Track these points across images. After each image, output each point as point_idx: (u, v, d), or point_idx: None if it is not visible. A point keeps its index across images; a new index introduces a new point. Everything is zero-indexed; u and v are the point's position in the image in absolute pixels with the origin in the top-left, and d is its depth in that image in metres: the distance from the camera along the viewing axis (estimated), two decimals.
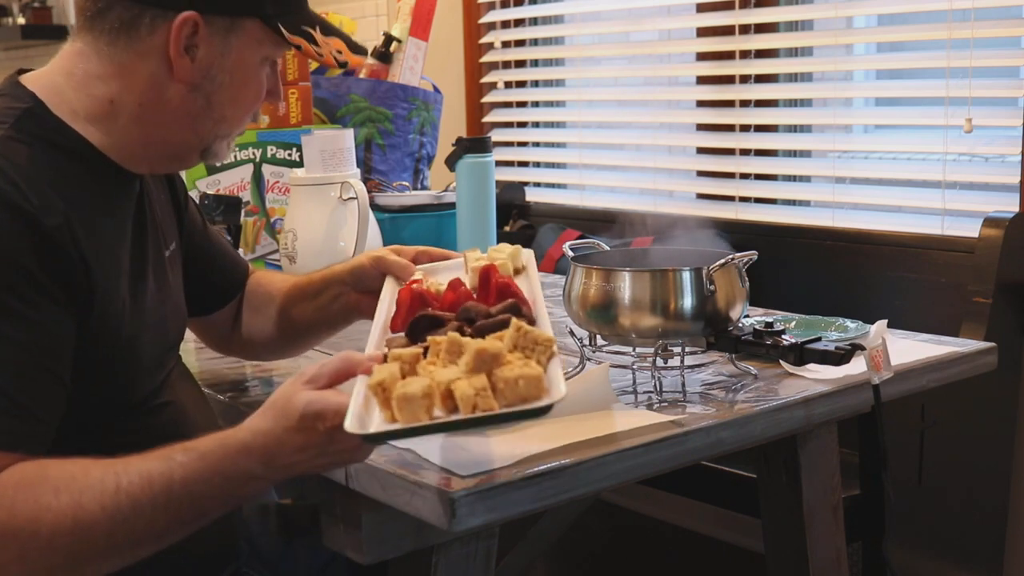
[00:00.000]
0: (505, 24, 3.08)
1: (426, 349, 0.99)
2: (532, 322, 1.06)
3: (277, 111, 2.19)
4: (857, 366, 1.30)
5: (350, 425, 0.89)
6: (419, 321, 1.07)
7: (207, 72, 1.15)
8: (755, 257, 1.34)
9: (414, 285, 1.19)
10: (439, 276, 1.28)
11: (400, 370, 0.95)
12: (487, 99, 3.12)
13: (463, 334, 1.01)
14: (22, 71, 1.20)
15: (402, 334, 1.09)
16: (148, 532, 0.97)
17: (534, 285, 1.20)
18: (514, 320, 0.99)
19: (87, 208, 1.10)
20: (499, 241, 2.08)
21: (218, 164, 1.25)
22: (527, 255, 1.30)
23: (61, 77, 1.16)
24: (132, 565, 1.00)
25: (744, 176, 2.48)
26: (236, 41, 1.16)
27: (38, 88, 1.15)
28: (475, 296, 1.17)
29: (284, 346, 1.48)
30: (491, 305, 1.10)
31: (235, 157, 2.09)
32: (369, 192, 2.00)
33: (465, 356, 0.93)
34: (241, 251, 1.93)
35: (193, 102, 1.16)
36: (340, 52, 1.22)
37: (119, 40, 1.14)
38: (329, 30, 1.23)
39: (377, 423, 0.92)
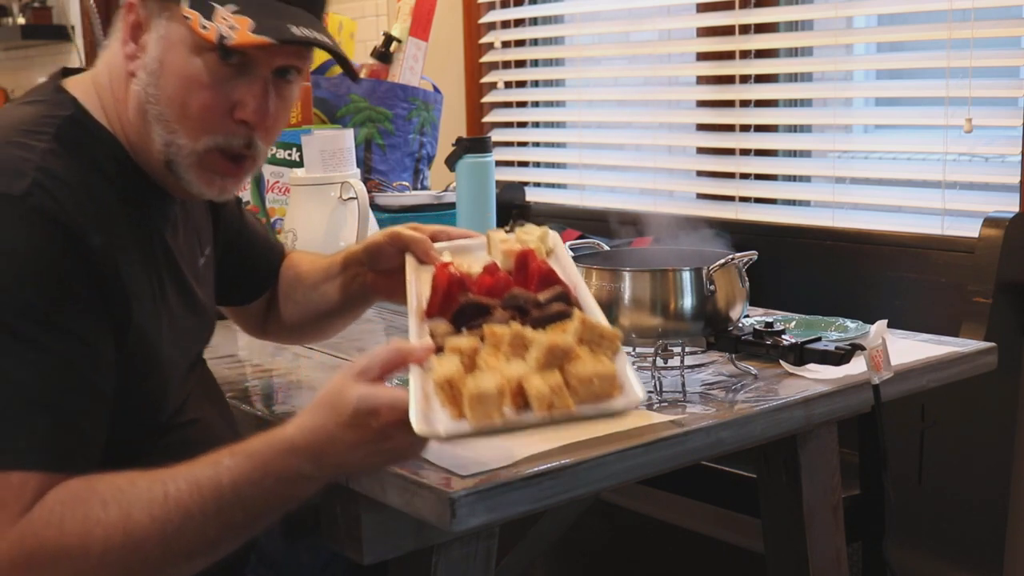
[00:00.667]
0: (505, 24, 3.08)
1: (481, 338, 0.94)
2: (580, 307, 1.02)
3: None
4: (857, 366, 1.30)
5: (418, 427, 0.83)
6: (465, 308, 1.02)
7: (143, 60, 1.10)
8: (755, 257, 1.34)
9: (450, 268, 1.13)
10: (464, 258, 1.21)
11: (461, 362, 0.90)
12: (487, 99, 3.12)
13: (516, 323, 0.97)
14: (66, 71, 1.18)
15: (443, 321, 1.03)
16: (200, 541, 0.95)
17: (569, 270, 1.14)
18: (577, 313, 0.94)
19: (126, 224, 1.08)
20: None
21: (196, 191, 1.13)
22: (555, 237, 1.23)
23: (103, 77, 1.14)
24: None
25: (744, 176, 2.48)
26: (166, 24, 1.09)
27: (80, 92, 1.13)
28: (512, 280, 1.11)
29: (312, 330, 1.45)
30: (532, 291, 1.05)
31: None
32: (369, 192, 2.00)
33: (534, 351, 0.89)
34: None
35: (136, 96, 1.11)
36: (232, 31, 1.05)
37: (115, 42, 1.15)
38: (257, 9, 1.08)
39: (445, 422, 0.87)
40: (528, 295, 1.02)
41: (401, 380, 1.13)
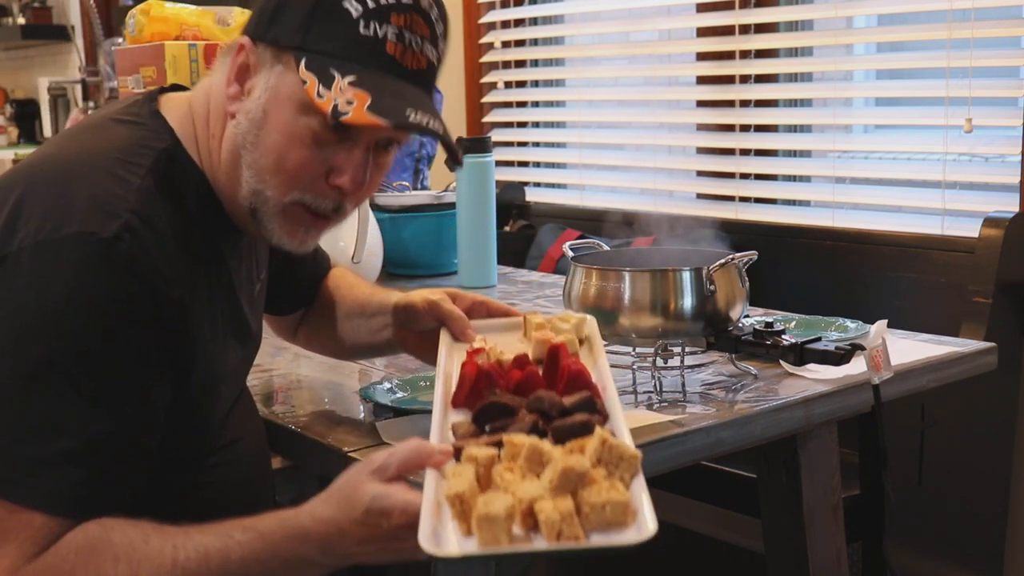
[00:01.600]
0: (505, 24, 3.08)
1: (498, 443, 0.93)
2: (605, 415, 1.00)
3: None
4: (857, 366, 1.30)
5: (426, 544, 0.81)
6: (488, 409, 1.01)
7: (247, 105, 1.07)
8: (755, 257, 1.34)
9: (478, 358, 1.10)
10: (497, 338, 1.19)
11: (475, 473, 0.89)
12: (487, 99, 3.12)
13: (537, 428, 0.96)
14: (163, 89, 1.16)
15: (466, 419, 1.02)
16: None
17: (602, 367, 1.11)
18: (599, 431, 0.91)
19: (201, 264, 1.07)
20: (499, 242, 2.09)
21: (275, 243, 1.12)
22: (591, 325, 1.20)
23: (201, 106, 1.12)
24: None
25: (744, 176, 2.48)
26: (276, 76, 1.06)
27: (175, 119, 1.11)
28: (541, 374, 1.09)
29: (338, 353, 1.43)
30: (559, 391, 1.04)
31: None
32: None
33: (549, 472, 0.87)
34: None
35: (233, 138, 1.08)
36: (349, 105, 1.01)
37: (219, 74, 1.12)
38: (389, 100, 1.03)
39: (453, 541, 0.85)
40: (554, 399, 1.00)
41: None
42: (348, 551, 0.94)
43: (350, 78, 1.02)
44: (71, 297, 0.96)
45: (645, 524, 0.88)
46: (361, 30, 1.03)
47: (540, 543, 0.84)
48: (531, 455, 0.89)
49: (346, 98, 1.01)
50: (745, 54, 2.45)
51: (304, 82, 1.02)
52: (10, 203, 1.01)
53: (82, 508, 0.95)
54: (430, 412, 1.11)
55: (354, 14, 1.03)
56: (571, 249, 1.43)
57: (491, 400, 1.02)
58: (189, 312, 1.03)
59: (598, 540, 0.86)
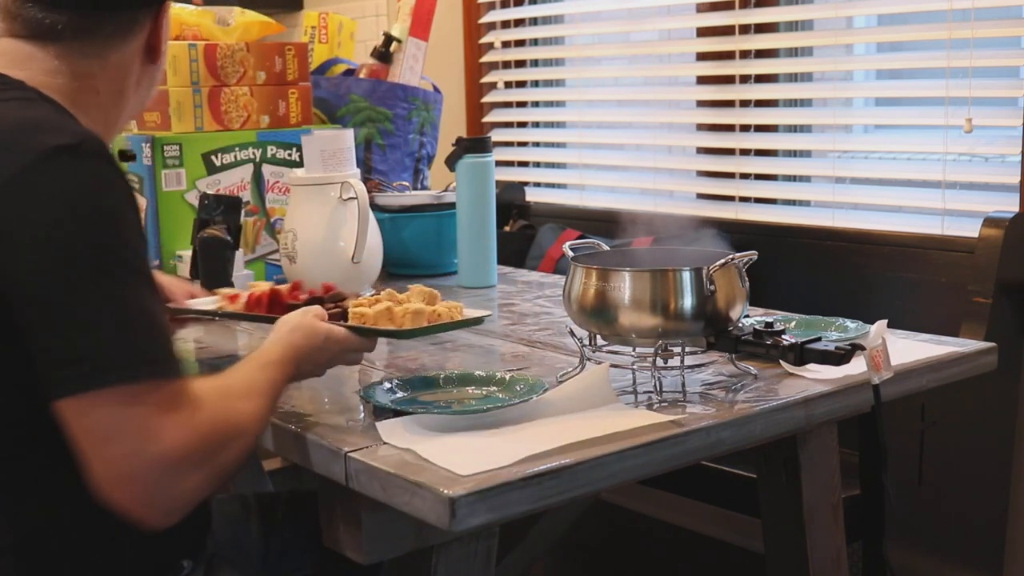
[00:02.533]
0: (505, 24, 3.08)
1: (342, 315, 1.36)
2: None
3: (277, 110, 2.19)
4: (857, 366, 1.30)
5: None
6: (316, 299, 1.42)
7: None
8: (755, 257, 1.34)
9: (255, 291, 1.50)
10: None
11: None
12: (487, 99, 3.12)
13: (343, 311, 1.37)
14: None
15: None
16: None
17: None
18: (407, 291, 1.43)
19: None
20: (499, 242, 2.09)
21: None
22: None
23: (48, 77, 1.20)
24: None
25: (744, 176, 2.48)
26: None
27: (25, 80, 1.19)
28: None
29: None
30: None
31: (235, 157, 2.09)
32: (369, 192, 2.00)
33: (412, 301, 1.37)
34: (241, 251, 1.93)
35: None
36: None
37: (111, 43, 1.25)
38: None
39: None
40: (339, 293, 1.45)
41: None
42: (314, 362, 1.27)
43: None
44: (82, 199, 1.04)
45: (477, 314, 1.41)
46: None
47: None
48: (384, 311, 1.33)
49: None
50: (745, 54, 2.45)
51: None
52: None
53: (179, 372, 1.08)
54: (430, 412, 1.17)
55: None
56: (571, 249, 1.43)
57: (313, 296, 1.44)
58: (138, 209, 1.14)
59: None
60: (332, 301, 1.41)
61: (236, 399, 1.12)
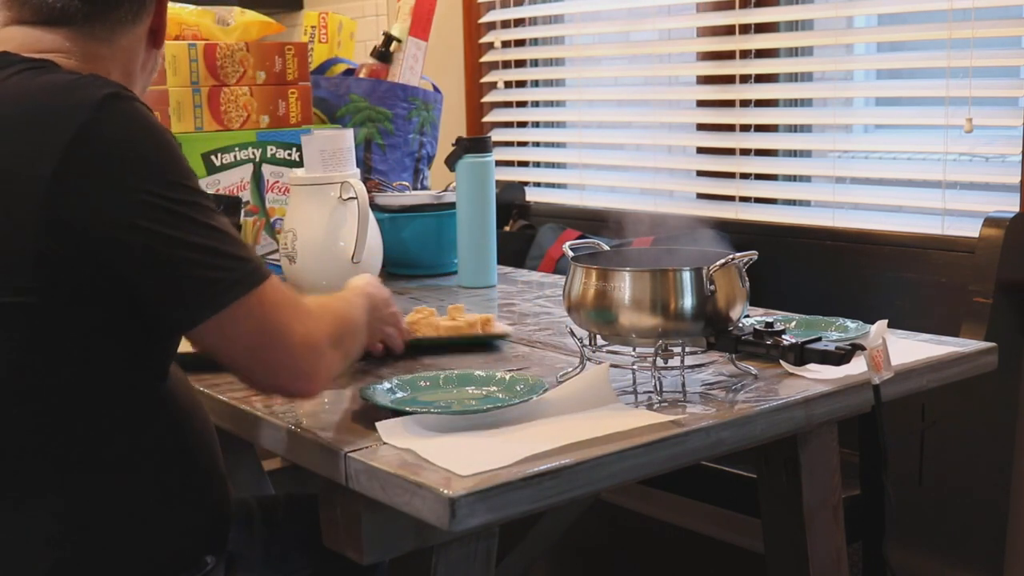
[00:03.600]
0: (505, 24, 3.08)
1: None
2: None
3: (277, 110, 2.19)
4: (857, 366, 1.30)
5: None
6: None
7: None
8: (755, 257, 1.34)
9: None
10: None
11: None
12: (487, 99, 3.12)
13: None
14: None
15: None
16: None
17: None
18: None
19: None
20: (499, 242, 2.09)
21: None
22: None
23: (60, 54, 1.21)
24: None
25: (744, 176, 2.48)
26: None
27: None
28: None
29: None
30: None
31: (235, 157, 2.09)
32: (369, 192, 2.00)
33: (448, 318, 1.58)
34: None
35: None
36: None
37: (121, 25, 1.26)
38: None
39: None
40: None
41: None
42: (375, 312, 1.38)
43: None
44: (156, 131, 1.11)
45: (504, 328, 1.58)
46: None
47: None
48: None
49: None
50: (745, 54, 2.45)
51: None
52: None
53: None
54: (430, 412, 1.18)
55: None
56: (571, 249, 1.43)
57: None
58: None
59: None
60: None
61: (343, 302, 1.30)
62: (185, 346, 1.19)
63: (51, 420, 1.10)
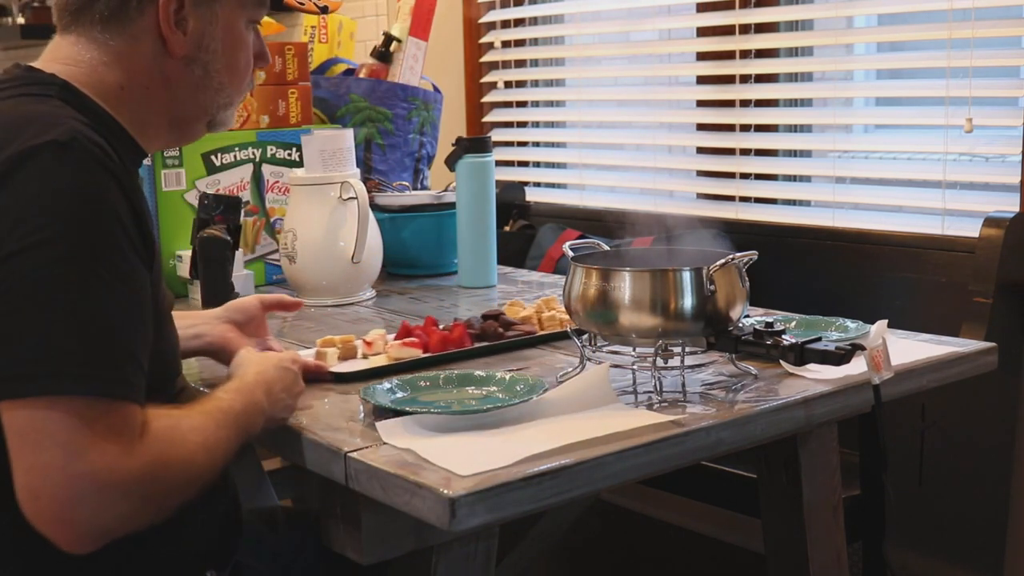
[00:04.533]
0: (505, 24, 3.08)
1: None
2: None
3: (277, 110, 2.19)
4: (857, 366, 1.30)
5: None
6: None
7: (200, 42, 1.22)
8: (755, 257, 1.34)
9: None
10: None
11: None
12: (487, 99, 3.12)
13: None
14: (20, 65, 1.21)
15: None
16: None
17: None
18: None
19: (128, 180, 1.12)
20: (499, 242, 2.09)
21: (225, 130, 1.35)
22: None
23: (71, 66, 1.18)
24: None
25: (744, 176, 2.48)
26: (220, 8, 1.23)
27: (57, 72, 1.17)
28: None
29: None
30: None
31: (235, 157, 2.09)
32: (369, 192, 2.00)
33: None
34: (241, 251, 1.93)
35: (192, 74, 1.22)
36: None
37: (111, 27, 1.18)
38: None
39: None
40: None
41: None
42: (275, 394, 1.21)
43: None
44: (58, 197, 1.00)
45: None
46: None
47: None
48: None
49: None
50: (745, 54, 2.45)
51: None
52: None
53: (138, 397, 1.01)
54: (430, 412, 1.18)
55: None
56: (571, 249, 1.43)
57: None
58: (144, 215, 1.09)
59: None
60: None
61: (187, 432, 1.05)
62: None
63: None
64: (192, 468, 1.05)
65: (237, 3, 1.24)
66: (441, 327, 1.54)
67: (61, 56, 1.18)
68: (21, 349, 0.96)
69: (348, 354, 1.47)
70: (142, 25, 1.18)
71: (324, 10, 1.37)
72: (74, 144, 1.03)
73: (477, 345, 1.52)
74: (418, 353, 1.46)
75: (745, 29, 2.44)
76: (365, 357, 1.46)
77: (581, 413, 1.22)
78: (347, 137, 1.91)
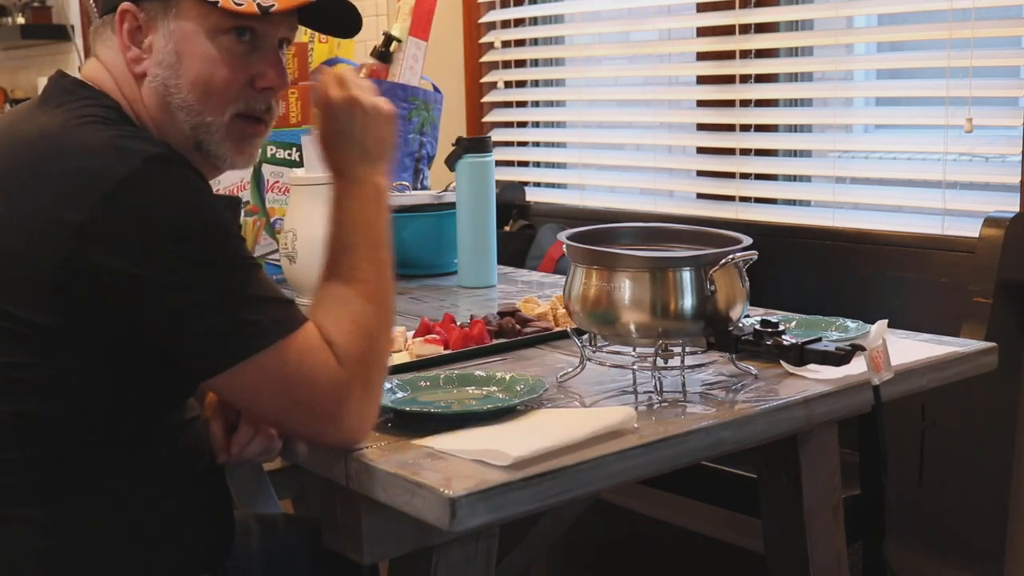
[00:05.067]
0: (505, 24, 3.08)
1: None
2: None
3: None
4: (857, 366, 1.30)
5: None
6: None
7: (156, 58, 1.18)
8: (755, 257, 1.34)
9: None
10: None
11: None
12: (487, 99, 3.12)
13: None
14: (64, 75, 1.23)
15: None
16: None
17: None
18: None
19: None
20: (499, 242, 2.09)
21: (232, 167, 1.28)
22: None
23: (110, 82, 1.21)
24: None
25: (744, 176, 2.48)
26: (174, 21, 1.18)
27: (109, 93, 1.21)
28: None
29: None
30: None
31: None
32: None
33: None
34: None
35: (155, 91, 1.19)
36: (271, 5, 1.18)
37: (108, 46, 1.21)
38: None
39: None
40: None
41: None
42: (373, 145, 1.27)
43: None
44: (180, 206, 1.07)
45: None
46: None
47: None
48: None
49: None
50: (745, 54, 2.45)
51: (216, 2, 1.15)
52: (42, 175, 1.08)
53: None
54: (430, 412, 1.19)
55: None
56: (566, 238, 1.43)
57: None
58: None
59: None
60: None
61: (345, 304, 1.15)
62: None
63: (57, 441, 1.09)
64: (368, 313, 1.15)
65: (197, 13, 1.17)
66: (459, 324, 1.56)
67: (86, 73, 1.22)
68: (236, 322, 1.07)
69: None
70: (118, 45, 1.20)
71: (267, 10, 1.35)
72: (166, 157, 1.10)
73: (496, 341, 1.54)
74: (439, 350, 1.47)
75: (745, 29, 2.44)
76: None
77: (581, 412, 1.22)
78: None
